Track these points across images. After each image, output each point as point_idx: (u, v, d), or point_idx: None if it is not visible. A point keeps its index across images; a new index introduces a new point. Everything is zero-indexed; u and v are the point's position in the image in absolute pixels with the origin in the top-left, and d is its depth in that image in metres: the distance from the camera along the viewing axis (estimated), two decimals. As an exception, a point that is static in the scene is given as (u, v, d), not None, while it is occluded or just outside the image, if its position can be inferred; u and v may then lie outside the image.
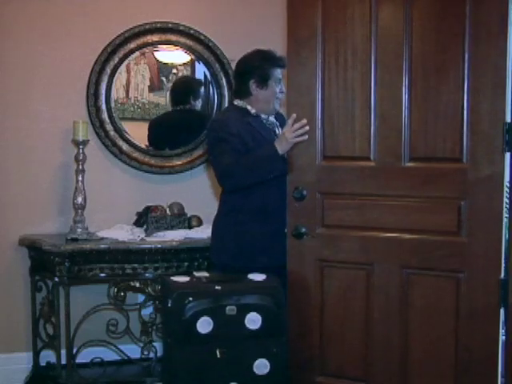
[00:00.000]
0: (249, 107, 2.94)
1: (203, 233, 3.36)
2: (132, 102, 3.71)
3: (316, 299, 2.76)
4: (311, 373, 2.79)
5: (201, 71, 3.80)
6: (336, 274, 2.72)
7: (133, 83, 3.70)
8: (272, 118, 3.01)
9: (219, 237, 3.00)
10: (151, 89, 3.74)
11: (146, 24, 3.64)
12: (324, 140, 2.71)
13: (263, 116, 2.96)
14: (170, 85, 3.76)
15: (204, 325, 2.57)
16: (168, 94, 3.75)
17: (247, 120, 2.90)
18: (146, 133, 3.76)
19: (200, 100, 3.84)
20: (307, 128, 2.66)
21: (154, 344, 3.43)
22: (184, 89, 3.84)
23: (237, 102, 3.00)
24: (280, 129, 2.97)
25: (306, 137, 2.67)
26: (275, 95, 2.93)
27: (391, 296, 2.62)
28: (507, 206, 2.47)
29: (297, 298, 2.78)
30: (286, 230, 2.80)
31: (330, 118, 2.70)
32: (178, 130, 3.84)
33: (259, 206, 2.86)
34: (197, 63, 3.78)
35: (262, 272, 2.76)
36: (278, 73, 2.92)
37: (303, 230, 2.75)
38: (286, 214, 2.77)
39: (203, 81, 3.82)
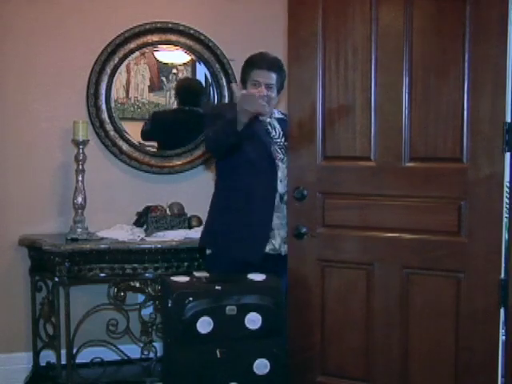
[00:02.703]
0: None
1: (203, 233, 3.36)
2: (132, 101, 3.71)
3: (317, 299, 2.75)
4: (312, 372, 2.79)
5: (202, 72, 3.80)
6: (336, 273, 2.72)
7: (133, 83, 3.71)
8: (269, 120, 3.02)
9: (206, 223, 3.09)
10: (151, 89, 3.74)
11: (146, 24, 3.64)
12: (324, 140, 2.72)
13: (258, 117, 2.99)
14: (170, 85, 3.76)
15: (204, 325, 2.57)
16: (169, 94, 3.75)
17: None
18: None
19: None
20: (259, 95, 2.63)
21: (154, 344, 3.44)
22: (190, 91, 3.84)
23: None
24: (275, 130, 2.99)
25: (262, 108, 2.64)
26: None
27: (392, 296, 2.62)
28: (507, 205, 2.47)
29: (297, 297, 2.78)
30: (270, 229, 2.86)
31: (330, 117, 2.70)
32: (179, 128, 3.84)
33: (243, 205, 2.89)
34: (198, 64, 3.78)
35: (235, 264, 2.82)
36: (256, 75, 2.91)
37: (304, 229, 2.75)
38: (289, 215, 2.78)
39: (204, 82, 3.82)
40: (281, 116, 3.07)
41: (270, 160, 2.88)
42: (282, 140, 2.98)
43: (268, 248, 2.89)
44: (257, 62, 2.94)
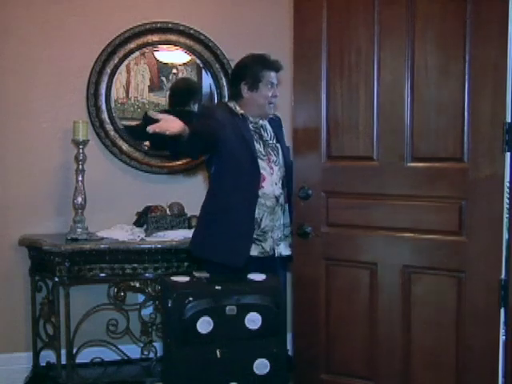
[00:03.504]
0: (238, 108, 2.96)
1: (203, 233, 3.36)
2: (132, 101, 3.71)
3: (321, 297, 2.77)
4: (316, 370, 2.80)
5: (207, 81, 3.79)
6: (341, 272, 2.73)
7: (133, 83, 3.70)
8: (262, 122, 3.02)
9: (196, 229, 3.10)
10: (151, 89, 3.74)
11: (146, 24, 3.64)
12: (329, 140, 2.73)
13: (251, 119, 2.98)
14: (170, 85, 3.75)
15: (204, 325, 2.57)
16: (167, 94, 3.74)
17: (233, 118, 2.93)
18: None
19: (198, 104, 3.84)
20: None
21: (154, 344, 3.44)
22: (184, 91, 3.83)
23: (228, 103, 3.07)
24: (267, 132, 3.00)
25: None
26: (267, 99, 2.94)
27: (394, 295, 2.63)
28: (507, 205, 2.47)
29: (302, 296, 2.79)
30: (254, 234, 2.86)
31: (334, 118, 2.71)
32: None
33: (223, 207, 2.89)
34: (204, 72, 3.77)
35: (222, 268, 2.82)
36: (271, 76, 2.93)
37: (308, 229, 2.75)
38: (294, 214, 2.79)
39: (209, 89, 3.81)
40: (271, 116, 3.07)
41: (255, 166, 2.86)
42: (274, 141, 2.99)
43: (257, 251, 2.88)
44: (269, 62, 2.93)
